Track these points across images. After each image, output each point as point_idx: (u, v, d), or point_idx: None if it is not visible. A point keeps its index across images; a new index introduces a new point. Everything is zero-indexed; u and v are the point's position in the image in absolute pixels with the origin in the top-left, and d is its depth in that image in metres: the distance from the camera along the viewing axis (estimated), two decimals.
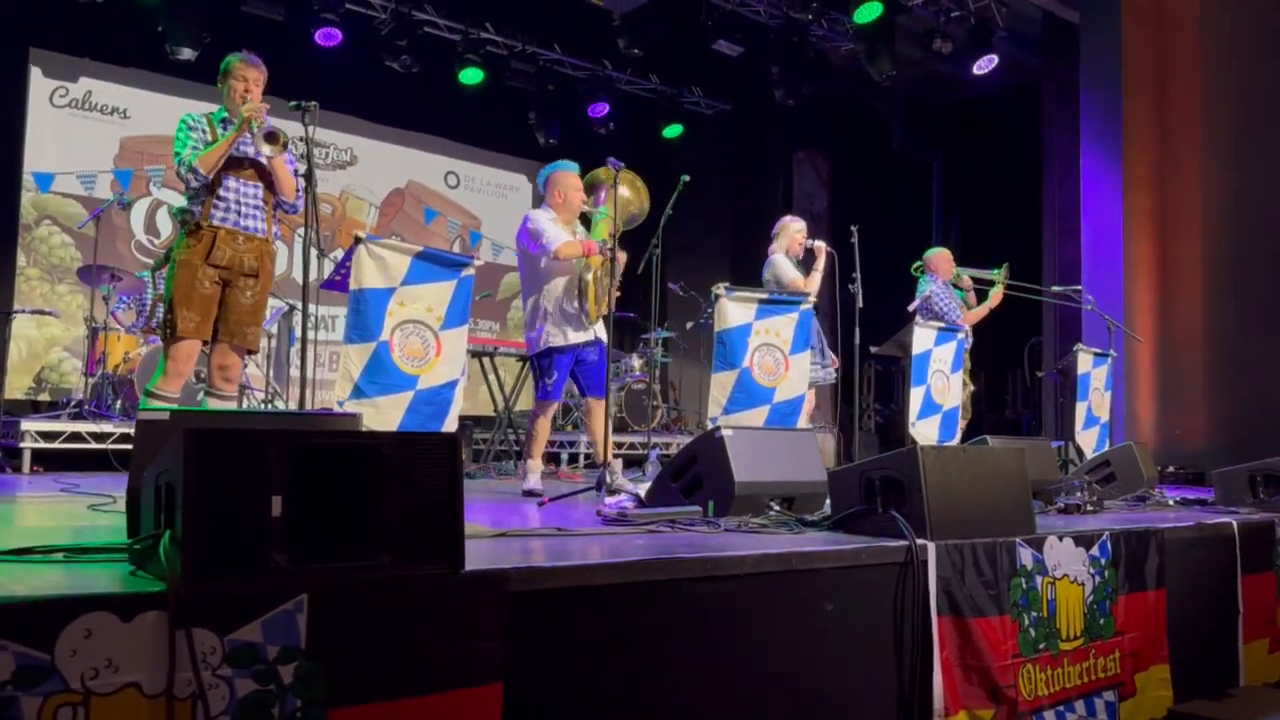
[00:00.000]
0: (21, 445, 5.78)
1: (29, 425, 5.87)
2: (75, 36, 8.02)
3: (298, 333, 6.80)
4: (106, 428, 5.97)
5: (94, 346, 6.64)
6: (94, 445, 5.92)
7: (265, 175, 4.14)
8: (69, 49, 8.10)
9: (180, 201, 4.16)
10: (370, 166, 9.80)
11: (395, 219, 10.01)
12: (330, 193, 9.52)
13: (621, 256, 4.66)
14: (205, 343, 4.08)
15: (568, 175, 4.78)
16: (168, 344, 4.01)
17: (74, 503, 3.82)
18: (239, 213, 4.05)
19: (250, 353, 4.26)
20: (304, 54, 8.50)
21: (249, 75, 4.09)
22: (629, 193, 4.84)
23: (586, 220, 4.87)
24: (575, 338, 4.65)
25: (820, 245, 5.89)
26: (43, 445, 5.84)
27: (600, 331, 4.74)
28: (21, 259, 7.85)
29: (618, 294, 4.65)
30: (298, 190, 4.21)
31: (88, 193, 8.09)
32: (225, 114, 4.12)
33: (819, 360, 5.91)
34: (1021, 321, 9.40)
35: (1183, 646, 3.58)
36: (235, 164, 4.05)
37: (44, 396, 7.72)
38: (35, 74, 8.01)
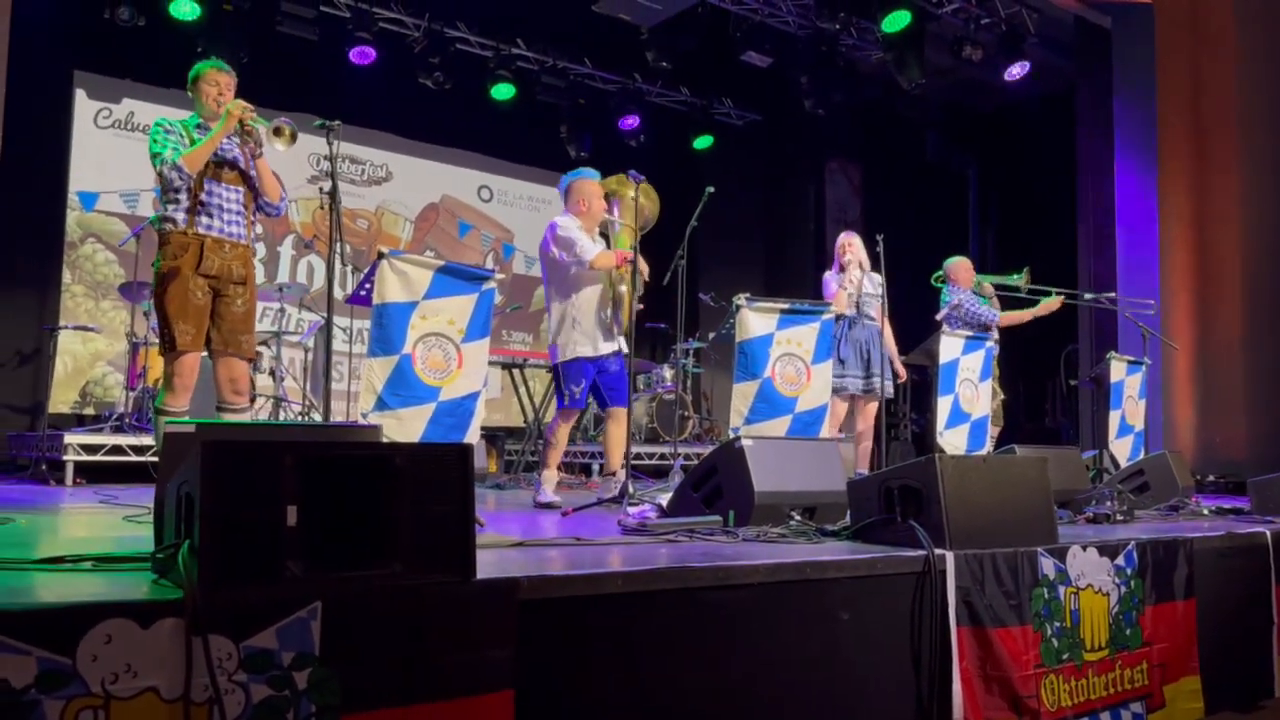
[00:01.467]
0: (65, 458, 5.93)
1: (71, 438, 6.02)
2: (118, 59, 8.24)
3: (336, 346, 6.93)
4: (146, 440, 6.10)
5: (134, 361, 6.79)
6: (134, 458, 6.06)
7: (246, 178, 4.11)
8: (112, 71, 8.31)
9: (160, 210, 4.06)
10: (405, 182, 9.94)
11: (430, 233, 10.14)
12: (366, 208, 9.68)
13: (644, 266, 4.70)
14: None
15: (590, 183, 4.81)
16: (169, 360, 3.95)
17: (111, 514, 3.91)
18: (223, 219, 4.01)
19: (248, 360, 4.18)
20: (338, 72, 8.67)
21: (220, 80, 4.06)
22: (642, 199, 4.87)
23: (603, 230, 4.90)
24: (604, 348, 4.68)
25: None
26: (85, 458, 5.99)
27: (623, 342, 4.78)
28: (67, 276, 8.06)
29: (640, 306, 4.68)
30: (282, 195, 4.19)
31: (130, 211, 8.29)
32: (199, 120, 4.09)
33: (859, 372, 5.91)
34: (1058, 329, 9.30)
35: (1214, 658, 3.53)
36: (217, 167, 4.00)
37: (89, 410, 7.91)
38: (80, 96, 8.23)
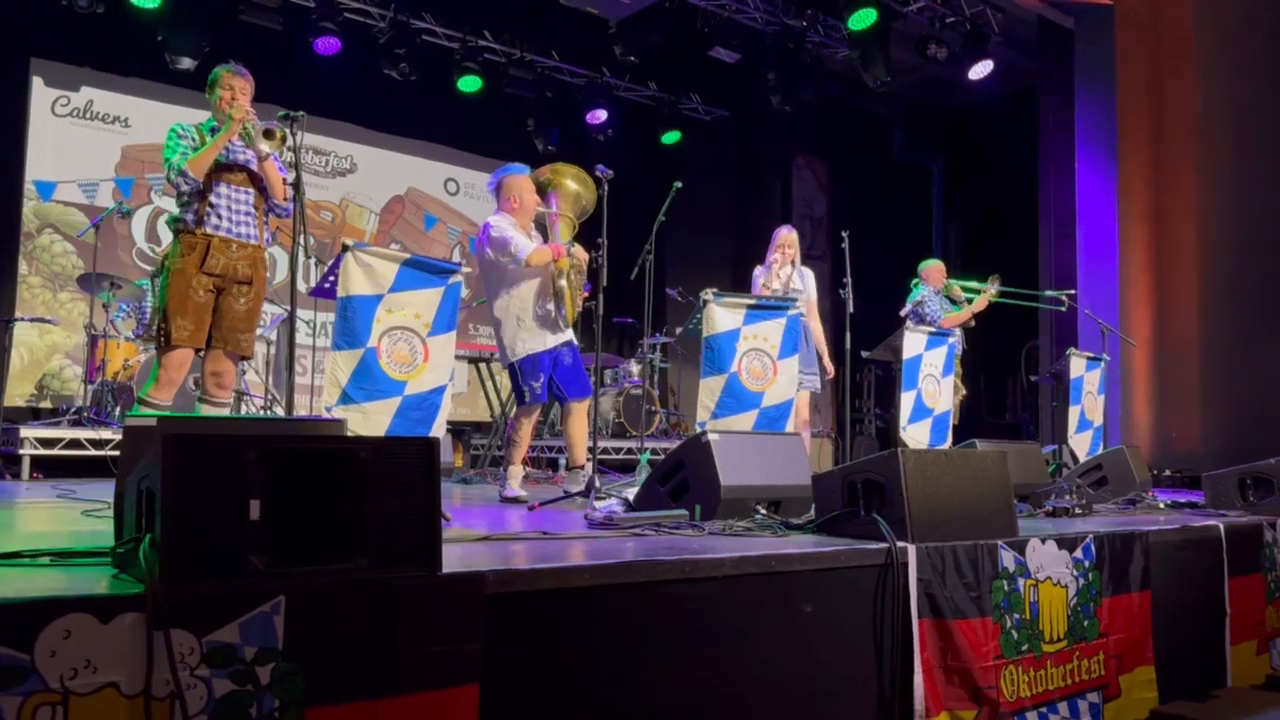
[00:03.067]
0: (21, 452, 5.83)
1: (28, 432, 5.91)
2: (77, 46, 8.09)
3: (299, 339, 6.89)
4: (106, 434, 6.01)
5: (94, 354, 6.69)
6: (93, 452, 5.97)
7: (256, 180, 4.18)
8: (70, 58, 8.16)
9: (174, 210, 4.19)
10: (370, 174, 9.86)
11: (395, 226, 10.07)
12: (330, 200, 9.59)
13: (583, 254, 4.67)
14: (198, 350, 4.11)
15: (520, 179, 4.76)
16: (161, 352, 4.04)
17: (70, 509, 3.85)
18: (232, 220, 4.09)
19: (244, 358, 4.28)
20: (303, 63, 8.56)
21: (235, 84, 4.13)
22: (577, 185, 4.83)
23: (540, 224, 4.86)
24: (553, 340, 4.66)
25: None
26: (42, 452, 5.89)
27: (570, 333, 4.76)
28: (23, 267, 7.91)
29: (585, 295, 4.65)
30: (287, 196, 4.24)
31: (89, 201, 8.15)
32: (214, 124, 4.17)
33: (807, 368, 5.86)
34: (1019, 325, 9.44)
35: (1169, 648, 3.60)
36: (226, 170, 4.09)
37: (46, 404, 7.78)
38: (37, 83, 8.07)
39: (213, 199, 4.06)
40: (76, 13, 7.61)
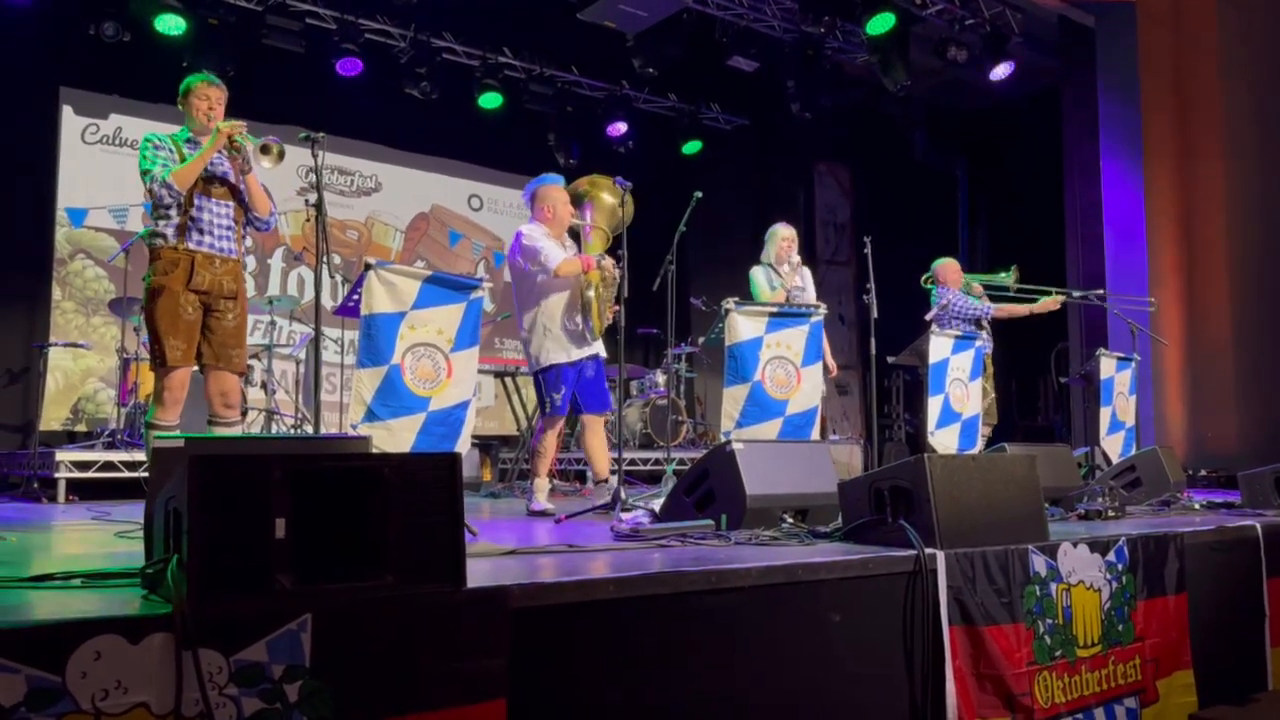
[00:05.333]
0: (56, 475, 5.92)
1: (63, 456, 6.00)
2: (105, 75, 8.22)
3: (328, 357, 6.96)
4: (139, 456, 6.08)
5: (126, 377, 6.78)
6: (127, 474, 6.04)
7: (236, 193, 4.10)
8: (99, 87, 8.29)
9: (147, 225, 4.06)
10: (394, 192, 9.94)
11: (420, 243, 10.14)
12: (356, 219, 9.67)
13: (614, 267, 4.68)
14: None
15: (555, 189, 4.76)
16: (160, 375, 3.95)
17: (103, 530, 3.91)
18: (214, 235, 4.00)
19: (239, 374, 4.17)
20: (326, 84, 8.66)
21: (211, 94, 4.05)
22: (614, 199, 4.83)
23: (574, 234, 4.87)
24: (578, 353, 4.66)
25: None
26: (77, 475, 5.97)
27: (599, 347, 4.76)
28: (57, 293, 8.03)
29: (615, 308, 4.65)
30: (272, 210, 4.18)
31: (119, 226, 8.27)
32: (189, 134, 4.08)
33: None
34: (1049, 327, 9.33)
35: (1207, 652, 3.54)
36: (207, 183, 3.99)
37: (81, 427, 7.88)
38: (67, 112, 8.21)
39: (194, 213, 3.95)
40: (104, 42, 7.74)
